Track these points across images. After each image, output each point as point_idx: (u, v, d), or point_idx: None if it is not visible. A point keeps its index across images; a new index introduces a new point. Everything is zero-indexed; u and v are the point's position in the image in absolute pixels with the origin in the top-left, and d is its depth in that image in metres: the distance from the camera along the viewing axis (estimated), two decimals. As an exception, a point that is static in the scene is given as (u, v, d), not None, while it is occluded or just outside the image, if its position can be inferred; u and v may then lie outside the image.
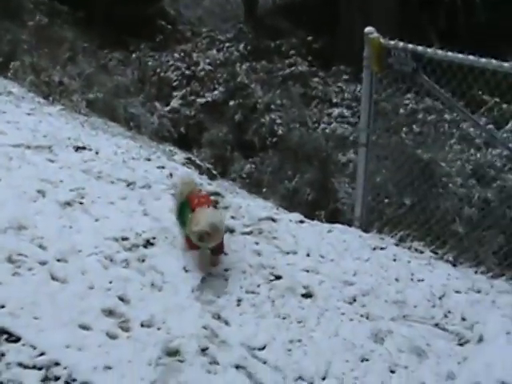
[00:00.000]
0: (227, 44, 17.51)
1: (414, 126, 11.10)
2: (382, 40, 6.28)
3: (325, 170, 11.78)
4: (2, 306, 4.55)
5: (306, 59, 16.66)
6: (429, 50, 6.05)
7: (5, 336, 4.31)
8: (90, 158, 7.40)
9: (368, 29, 6.38)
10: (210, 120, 14.47)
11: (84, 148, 7.74)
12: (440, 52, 5.97)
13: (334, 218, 8.24)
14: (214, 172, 11.02)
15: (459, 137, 10.90)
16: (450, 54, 5.90)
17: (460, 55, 5.83)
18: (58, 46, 14.65)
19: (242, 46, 17.29)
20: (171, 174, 7.32)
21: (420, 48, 6.09)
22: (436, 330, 4.90)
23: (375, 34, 6.32)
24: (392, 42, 6.26)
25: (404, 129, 10.31)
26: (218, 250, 5.39)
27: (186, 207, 5.54)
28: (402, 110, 11.74)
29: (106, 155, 7.64)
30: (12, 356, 4.14)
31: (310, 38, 17.44)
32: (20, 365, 4.08)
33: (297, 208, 7.83)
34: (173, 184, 6.24)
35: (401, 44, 6.18)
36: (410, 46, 6.13)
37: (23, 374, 4.02)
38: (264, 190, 11.18)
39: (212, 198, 6.78)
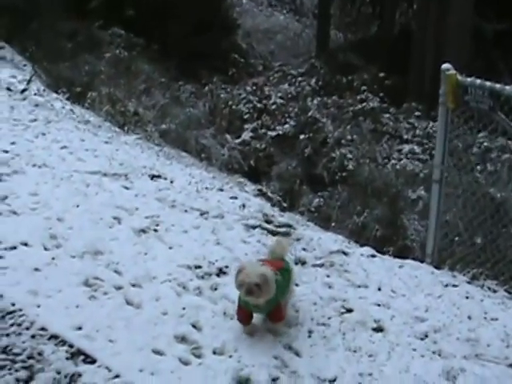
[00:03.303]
0: (299, 78, 17.71)
1: (488, 165, 10.97)
2: (458, 77, 6.27)
3: (394, 206, 11.73)
4: (79, 328, 4.66)
5: (378, 95, 16.71)
6: (507, 87, 6.01)
7: (81, 357, 4.41)
8: (164, 187, 7.57)
9: (445, 65, 6.37)
10: (279, 153, 14.59)
11: (159, 177, 7.92)
12: (518, 90, 5.93)
13: (402, 254, 8.16)
14: (284, 204, 11.08)
15: (533, 176, 10.74)
16: (528, 92, 5.86)
17: (539, 93, 5.78)
18: (134, 78, 15.05)
19: (313, 81, 17.45)
20: (244, 205, 7.41)
21: (498, 86, 6.05)
22: (510, 370, 4.79)
23: (452, 71, 6.30)
24: (469, 80, 6.23)
25: (477, 167, 10.20)
26: (275, 315, 4.94)
27: None
28: (475, 149, 11.65)
29: (181, 184, 7.79)
30: (88, 377, 4.23)
31: (381, 74, 17.52)
32: (95, 386, 4.18)
33: (365, 243, 7.78)
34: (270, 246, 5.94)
35: (478, 81, 6.15)
36: (488, 83, 6.09)
37: (99, 394, 4.11)
38: (332, 224, 11.16)
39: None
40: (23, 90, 11.71)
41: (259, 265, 4.88)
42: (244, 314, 4.90)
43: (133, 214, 6.65)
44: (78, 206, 6.58)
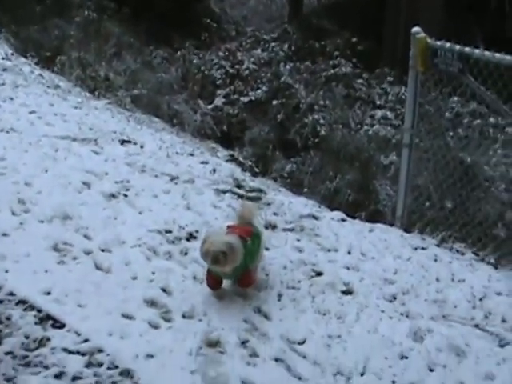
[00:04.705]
0: (272, 44, 17.59)
1: (460, 130, 11.02)
2: (428, 40, 6.27)
3: (366, 171, 11.77)
4: (48, 293, 4.67)
5: (350, 60, 16.64)
6: (476, 51, 6.02)
7: (50, 322, 4.42)
8: (134, 152, 7.54)
9: (415, 29, 6.38)
10: (252, 119, 14.55)
11: (129, 142, 7.90)
12: (487, 53, 5.92)
13: (374, 219, 8.20)
14: (256, 170, 11.09)
15: (503, 141, 10.81)
16: (497, 55, 5.86)
17: (508, 57, 5.79)
18: (105, 42, 14.87)
19: (286, 46, 17.35)
20: (214, 170, 7.40)
21: (467, 49, 6.07)
22: (476, 330, 4.86)
23: (422, 34, 6.31)
24: (439, 43, 6.25)
25: (448, 132, 10.25)
26: (244, 280, 4.94)
27: None
28: (447, 114, 11.68)
29: (151, 149, 7.77)
30: (57, 341, 4.24)
31: (354, 40, 17.41)
32: (65, 350, 4.17)
33: (337, 208, 7.80)
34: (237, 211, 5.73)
35: (447, 44, 6.16)
36: (457, 46, 6.10)
37: (67, 358, 4.10)
38: (305, 189, 11.18)
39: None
40: (-10, 55, 11.56)
41: (224, 233, 4.88)
42: (213, 280, 4.91)
43: (102, 178, 6.63)
44: (46, 171, 6.55)
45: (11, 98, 8.79)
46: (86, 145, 7.45)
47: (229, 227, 5.10)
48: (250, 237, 4.92)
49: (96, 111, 9.47)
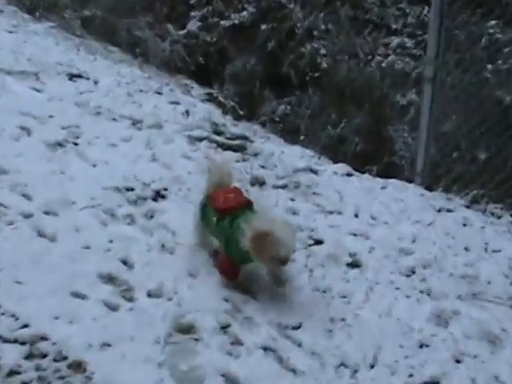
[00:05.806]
0: (260, -49, 17.45)
1: (499, 62, 10.98)
2: None
3: (379, 114, 11.76)
4: (-24, 266, 4.67)
5: (359, -28, 16.57)
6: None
7: (-21, 303, 4.43)
8: (86, 89, 7.52)
9: None
10: (235, 48, 14.46)
11: (79, 76, 7.86)
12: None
13: (388, 174, 8.24)
14: (240, 112, 11.06)
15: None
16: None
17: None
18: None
19: (278, -46, 17.22)
20: (187, 112, 7.38)
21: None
22: (514, 312, 4.94)
23: None
24: None
25: (482, 64, 10.23)
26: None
27: (208, 208, 5.04)
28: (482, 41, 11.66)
29: (107, 86, 7.73)
30: (-12, 327, 4.25)
31: None
32: (-2, 338, 4.20)
33: (341, 161, 7.82)
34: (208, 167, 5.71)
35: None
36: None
37: (2, 348, 4.10)
38: (301, 137, 11.19)
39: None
40: None
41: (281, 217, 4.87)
42: (233, 267, 4.89)
43: (45, 123, 6.61)
44: (-27, 114, 6.53)
45: None
46: (23, 80, 7.42)
47: (214, 196, 5.02)
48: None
49: (36, 37, 9.41)
